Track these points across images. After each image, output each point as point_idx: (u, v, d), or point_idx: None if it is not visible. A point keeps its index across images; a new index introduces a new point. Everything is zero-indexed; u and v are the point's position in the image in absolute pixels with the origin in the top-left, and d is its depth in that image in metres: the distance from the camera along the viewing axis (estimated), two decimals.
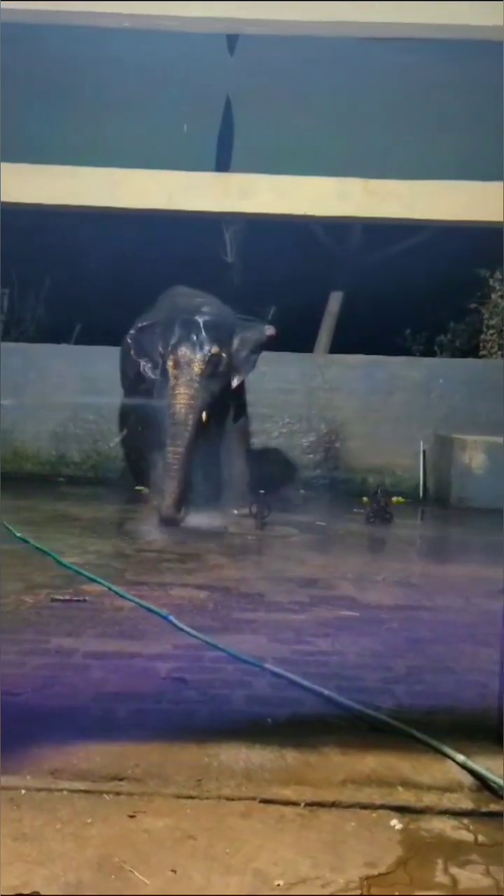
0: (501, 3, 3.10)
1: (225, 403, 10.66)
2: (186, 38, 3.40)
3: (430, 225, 4.72)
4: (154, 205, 3.70)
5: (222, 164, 3.66)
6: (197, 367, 9.90)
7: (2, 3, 3.17)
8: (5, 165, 3.63)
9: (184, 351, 9.94)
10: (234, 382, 10.59)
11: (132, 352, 10.88)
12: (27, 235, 16.34)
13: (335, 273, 17.37)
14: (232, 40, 3.48)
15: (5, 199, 3.67)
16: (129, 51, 3.51)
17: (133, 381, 11.46)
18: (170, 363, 9.98)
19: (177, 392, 9.86)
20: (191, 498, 10.05)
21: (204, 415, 9.93)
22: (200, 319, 10.15)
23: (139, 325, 11.05)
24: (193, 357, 9.93)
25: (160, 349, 10.23)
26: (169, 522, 9.71)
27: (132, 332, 11.03)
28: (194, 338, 10.01)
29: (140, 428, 11.46)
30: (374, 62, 3.57)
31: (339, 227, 16.22)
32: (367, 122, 3.66)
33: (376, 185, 3.61)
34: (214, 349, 10.01)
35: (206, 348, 9.98)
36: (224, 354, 10.20)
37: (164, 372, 10.13)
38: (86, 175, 3.62)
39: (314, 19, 3.23)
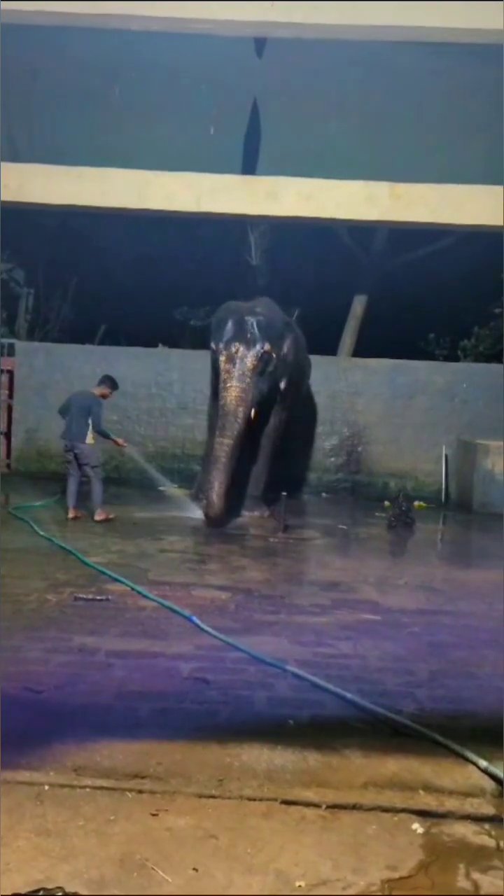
0: None
1: (270, 405, 10.72)
2: (215, 41, 3.42)
3: (456, 229, 4.72)
4: (181, 207, 3.73)
5: (249, 166, 3.68)
6: (250, 363, 10.01)
7: (22, 4, 3.20)
8: (34, 167, 3.67)
9: (237, 347, 10.04)
10: (283, 385, 10.67)
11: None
12: (54, 236, 16.51)
13: (360, 276, 17.37)
14: (260, 43, 3.49)
15: (33, 200, 3.71)
16: (158, 54, 3.53)
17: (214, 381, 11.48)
18: (222, 358, 10.09)
19: (228, 385, 9.97)
20: (236, 495, 10.10)
21: (252, 412, 10.01)
22: (253, 318, 10.25)
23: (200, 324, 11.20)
24: (247, 353, 10.03)
25: (213, 346, 10.35)
26: (214, 521, 9.75)
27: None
28: (247, 335, 10.12)
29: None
30: (402, 66, 3.57)
31: (364, 231, 16.20)
32: (394, 125, 3.66)
33: (403, 189, 3.61)
34: (266, 347, 10.12)
35: (258, 346, 10.08)
36: (274, 355, 10.30)
37: (217, 368, 10.23)
38: (114, 177, 3.65)
39: (341, 23, 3.24)
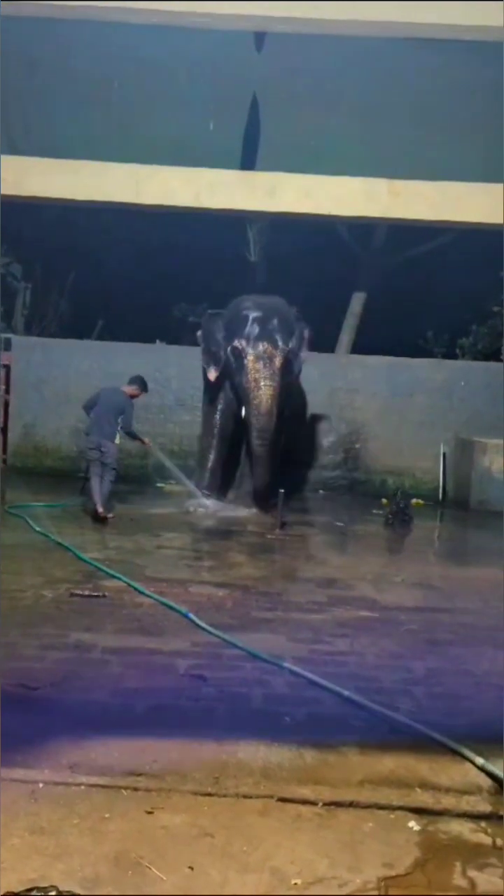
0: None
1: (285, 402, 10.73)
2: (214, 36, 3.40)
3: (455, 227, 4.70)
4: (180, 202, 3.70)
5: (248, 162, 3.66)
6: (278, 362, 10.06)
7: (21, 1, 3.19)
8: (31, 160, 3.65)
9: (265, 346, 10.06)
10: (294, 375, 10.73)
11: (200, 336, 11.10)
12: (51, 231, 16.47)
13: (358, 273, 17.33)
14: (260, 38, 3.47)
15: (30, 193, 3.69)
16: (157, 47, 3.51)
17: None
18: (249, 358, 10.07)
19: (261, 385, 10.00)
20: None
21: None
22: (275, 317, 10.26)
23: (209, 312, 11.23)
24: (274, 352, 10.06)
25: (235, 343, 10.27)
26: (261, 505, 10.28)
27: (204, 317, 11.21)
28: (273, 334, 10.13)
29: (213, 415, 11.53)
30: (402, 62, 3.55)
31: (363, 228, 16.16)
32: (393, 122, 3.64)
33: (402, 186, 3.59)
34: (291, 344, 10.20)
35: (282, 344, 10.12)
36: (291, 353, 10.38)
37: (242, 366, 10.19)
38: (112, 171, 3.63)
39: (341, 19, 3.22)
